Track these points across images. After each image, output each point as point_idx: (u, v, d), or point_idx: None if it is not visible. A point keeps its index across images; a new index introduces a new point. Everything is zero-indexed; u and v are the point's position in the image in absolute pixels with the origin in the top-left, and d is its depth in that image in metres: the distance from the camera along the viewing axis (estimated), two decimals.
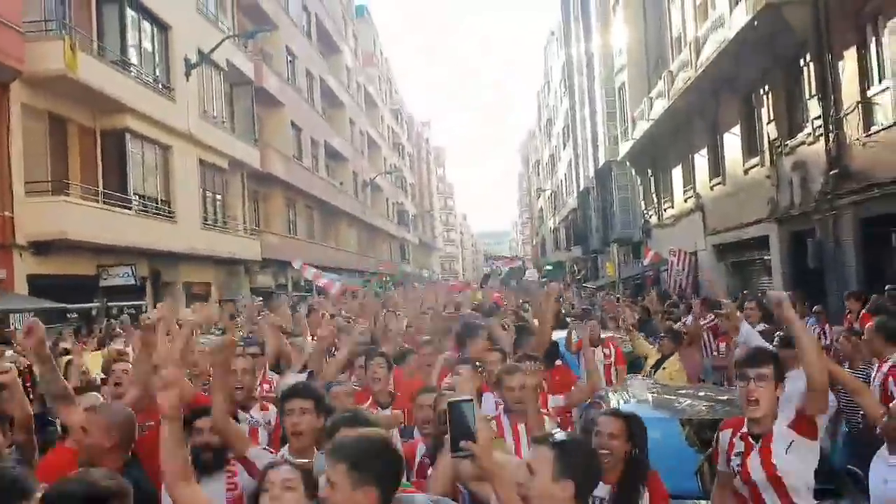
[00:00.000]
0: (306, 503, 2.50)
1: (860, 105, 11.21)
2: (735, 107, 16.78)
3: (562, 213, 53.51)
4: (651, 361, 8.09)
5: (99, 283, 15.74)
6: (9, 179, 13.29)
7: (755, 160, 15.68)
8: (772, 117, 14.57)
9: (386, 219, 52.59)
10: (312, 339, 6.73)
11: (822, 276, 12.55)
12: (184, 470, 2.71)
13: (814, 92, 12.62)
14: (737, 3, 14.06)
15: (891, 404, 3.79)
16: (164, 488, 2.96)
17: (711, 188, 18.82)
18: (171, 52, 18.92)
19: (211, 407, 3.51)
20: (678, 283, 18.58)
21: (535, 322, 7.42)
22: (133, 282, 16.09)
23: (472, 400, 2.38)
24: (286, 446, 3.57)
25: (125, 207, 16.16)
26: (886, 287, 9.06)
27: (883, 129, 10.66)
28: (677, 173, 22.47)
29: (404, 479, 2.76)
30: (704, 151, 19.34)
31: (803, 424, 3.20)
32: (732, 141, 17.09)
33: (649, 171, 26.27)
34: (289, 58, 30.11)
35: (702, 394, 6.06)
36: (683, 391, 6.25)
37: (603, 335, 8.56)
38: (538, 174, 74.21)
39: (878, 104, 10.93)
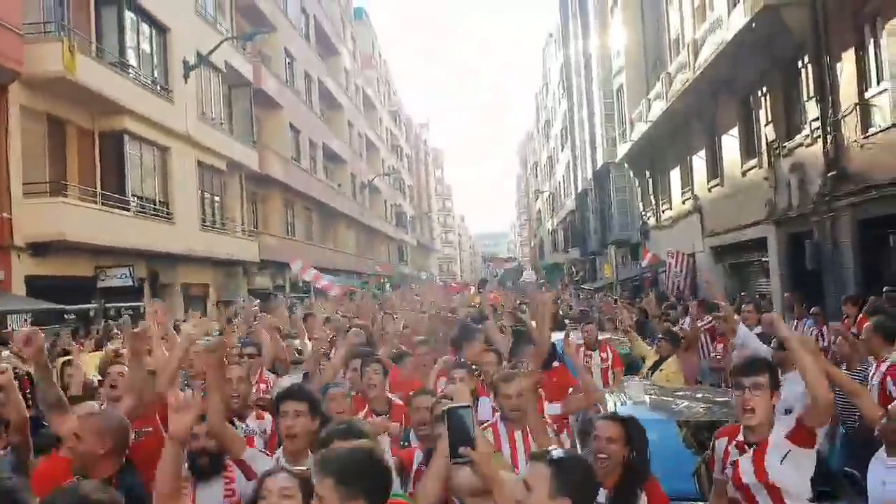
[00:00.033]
0: None
1: (858, 107, 11.20)
2: (733, 108, 16.77)
3: (560, 215, 53.48)
4: (648, 363, 8.09)
5: (97, 285, 15.71)
6: (7, 181, 13.27)
7: (753, 162, 15.67)
8: (770, 119, 14.57)
9: (384, 220, 52.55)
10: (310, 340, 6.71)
11: (821, 278, 12.54)
12: (177, 490, 2.72)
13: (812, 94, 12.61)
14: (735, 5, 14.07)
15: (889, 406, 3.78)
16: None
17: (709, 190, 18.80)
18: (169, 53, 18.92)
19: (205, 414, 3.48)
20: (676, 285, 18.59)
21: (533, 324, 7.39)
22: (131, 283, 16.07)
23: (470, 407, 2.37)
24: (281, 448, 3.58)
25: (123, 209, 16.13)
26: (884, 289, 9.06)
27: (881, 131, 10.64)
28: (675, 175, 22.43)
29: (401, 488, 2.74)
30: (702, 153, 19.33)
31: (802, 434, 3.17)
32: (730, 143, 17.08)
33: (647, 173, 26.26)
34: (287, 60, 30.10)
35: (699, 395, 6.06)
36: (681, 393, 6.24)
37: (600, 337, 8.55)
38: (536, 176, 74.23)
39: (876, 106, 10.92)
